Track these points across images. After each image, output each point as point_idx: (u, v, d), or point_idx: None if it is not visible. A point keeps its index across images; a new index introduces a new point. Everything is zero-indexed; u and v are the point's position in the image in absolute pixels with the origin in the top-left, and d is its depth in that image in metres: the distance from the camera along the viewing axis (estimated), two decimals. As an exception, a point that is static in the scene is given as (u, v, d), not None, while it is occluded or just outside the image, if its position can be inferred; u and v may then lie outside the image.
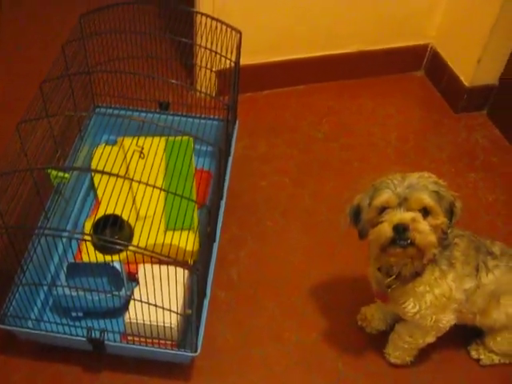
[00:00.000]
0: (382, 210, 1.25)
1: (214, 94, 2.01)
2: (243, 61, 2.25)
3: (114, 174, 1.25)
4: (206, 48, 1.73)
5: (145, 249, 1.20)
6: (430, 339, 1.48)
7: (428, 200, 1.22)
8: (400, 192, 1.22)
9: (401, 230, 1.21)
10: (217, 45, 1.74)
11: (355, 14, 2.28)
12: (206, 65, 1.77)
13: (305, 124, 2.27)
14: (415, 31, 2.41)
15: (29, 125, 1.47)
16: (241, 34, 1.72)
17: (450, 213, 1.27)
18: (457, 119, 2.34)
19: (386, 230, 1.22)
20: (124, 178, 1.27)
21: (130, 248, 1.24)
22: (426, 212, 1.23)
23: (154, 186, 1.29)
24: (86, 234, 1.53)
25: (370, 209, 1.28)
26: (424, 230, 1.22)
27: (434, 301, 1.36)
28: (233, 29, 1.72)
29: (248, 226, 1.90)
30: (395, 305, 1.42)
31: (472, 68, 2.23)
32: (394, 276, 1.36)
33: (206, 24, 1.74)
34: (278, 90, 2.41)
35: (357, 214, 1.33)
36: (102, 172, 1.26)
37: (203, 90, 1.73)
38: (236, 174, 2.03)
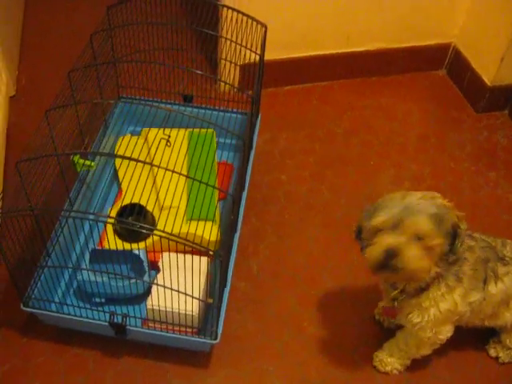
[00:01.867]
0: (378, 230, 1.24)
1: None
2: (266, 56, 2.28)
3: (137, 160, 1.28)
4: (231, 41, 1.74)
5: (170, 233, 1.22)
6: (425, 351, 1.47)
7: (422, 225, 1.20)
8: (395, 214, 1.21)
9: (390, 255, 1.21)
10: (242, 39, 1.76)
11: (378, 12, 2.28)
12: (231, 59, 1.78)
13: (325, 119, 2.29)
14: (438, 30, 2.41)
15: (56, 113, 1.50)
16: (266, 27, 1.74)
17: (454, 235, 1.25)
18: (478, 118, 2.34)
19: (376, 253, 1.22)
20: (148, 164, 1.29)
21: (156, 232, 1.26)
22: (420, 235, 1.22)
23: (179, 173, 1.31)
24: (111, 217, 1.55)
25: (367, 229, 1.28)
26: (413, 257, 1.21)
27: (438, 315, 1.36)
28: (258, 22, 1.73)
29: (268, 218, 1.92)
30: (401, 315, 1.43)
31: (495, 67, 2.23)
32: (398, 290, 1.37)
33: (231, 18, 1.76)
34: (300, 85, 2.43)
35: (360, 231, 1.33)
36: (128, 158, 1.28)
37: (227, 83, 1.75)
38: (257, 167, 2.06)
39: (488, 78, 2.28)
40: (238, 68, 1.83)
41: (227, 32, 1.77)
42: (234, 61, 1.79)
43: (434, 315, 1.35)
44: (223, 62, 1.85)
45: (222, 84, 2.14)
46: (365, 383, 1.56)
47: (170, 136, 1.59)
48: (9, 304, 1.62)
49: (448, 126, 2.31)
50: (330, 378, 1.57)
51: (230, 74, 1.86)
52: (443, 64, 2.52)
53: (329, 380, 1.56)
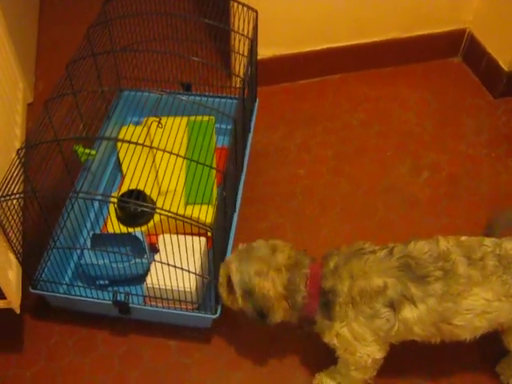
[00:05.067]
0: None
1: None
2: (279, 51, 2.29)
3: (137, 143, 1.32)
4: (217, 26, 1.74)
5: (169, 211, 1.27)
6: (361, 375, 1.41)
7: None
8: None
9: None
10: (246, 29, 1.77)
11: (389, 1, 2.27)
12: (238, 50, 1.79)
13: (341, 112, 2.28)
14: (451, 16, 2.38)
15: (57, 106, 1.53)
16: (257, 12, 1.76)
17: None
18: (496, 104, 2.31)
19: None
20: (147, 146, 1.33)
21: (157, 211, 1.31)
22: None
23: (176, 155, 1.36)
24: (114, 197, 1.60)
25: None
26: None
27: (336, 340, 1.35)
28: (249, 8, 1.75)
29: (287, 213, 1.93)
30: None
31: (511, 51, 2.20)
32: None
33: (229, 6, 1.77)
34: (314, 79, 2.42)
35: None
36: (128, 141, 1.33)
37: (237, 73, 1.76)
38: (274, 163, 2.07)
39: (505, 62, 2.25)
40: (244, 59, 1.83)
41: (233, 23, 1.78)
42: (241, 52, 1.79)
43: (336, 339, 1.35)
44: (231, 52, 1.86)
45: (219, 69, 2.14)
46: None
47: (160, 118, 1.63)
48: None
49: (465, 112, 2.28)
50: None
51: (237, 63, 1.86)
52: (458, 51, 2.50)
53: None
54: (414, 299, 1.26)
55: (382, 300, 1.28)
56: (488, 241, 1.31)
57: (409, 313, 1.27)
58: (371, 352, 1.34)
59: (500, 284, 1.26)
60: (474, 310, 1.27)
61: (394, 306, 1.27)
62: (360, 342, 1.33)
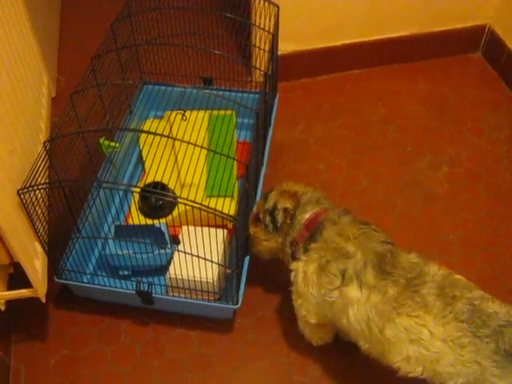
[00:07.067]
0: None
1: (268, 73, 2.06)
2: (299, 47, 2.30)
3: (159, 134, 1.35)
4: (239, 20, 1.76)
5: (194, 201, 1.29)
6: (300, 327, 1.54)
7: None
8: None
9: None
10: (258, 22, 1.78)
11: (410, -3, 2.27)
12: (259, 44, 1.81)
13: (360, 107, 2.29)
14: (472, 12, 2.38)
15: (81, 99, 1.56)
16: (278, 7, 1.78)
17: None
18: (516, 100, 2.31)
19: None
20: (169, 137, 1.35)
21: (180, 201, 1.33)
22: None
23: (200, 147, 1.38)
24: (138, 187, 1.62)
25: None
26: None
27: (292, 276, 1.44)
28: (270, 2, 1.77)
29: (306, 207, 1.94)
30: None
31: (531, 47, 2.20)
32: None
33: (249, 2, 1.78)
34: (334, 74, 2.43)
35: None
36: (150, 132, 1.36)
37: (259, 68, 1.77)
38: (294, 157, 2.08)
39: (525, 58, 2.25)
40: (265, 53, 1.85)
41: (255, 18, 1.80)
42: (262, 47, 1.81)
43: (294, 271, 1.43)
44: (252, 47, 1.88)
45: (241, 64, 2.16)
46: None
47: (185, 111, 1.65)
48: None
49: (485, 108, 2.28)
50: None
51: (258, 58, 1.88)
52: (478, 46, 2.49)
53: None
54: (362, 282, 1.27)
55: (340, 263, 1.31)
56: (477, 292, 1.21)
57: (351, 291, 1.28)
58: (308, 307, 1.42)
59: (455, 328, 1.17)
60: (411, 333, 1.20)
61: (344, 277, 1.30)
62: (306, 285, 1.38)
